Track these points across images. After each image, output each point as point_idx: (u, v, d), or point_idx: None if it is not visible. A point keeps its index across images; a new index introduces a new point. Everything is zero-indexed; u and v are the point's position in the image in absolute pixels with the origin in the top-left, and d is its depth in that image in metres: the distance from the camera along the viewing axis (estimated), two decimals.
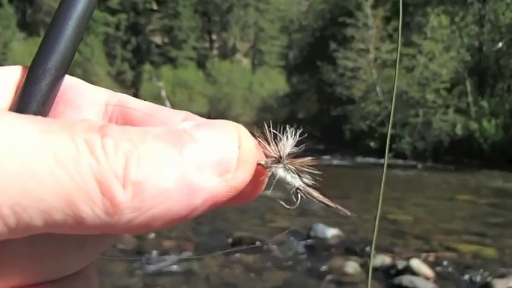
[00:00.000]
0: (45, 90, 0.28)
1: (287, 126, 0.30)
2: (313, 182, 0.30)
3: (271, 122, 0.30)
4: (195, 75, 41.58)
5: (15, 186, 0.20)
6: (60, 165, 0.21)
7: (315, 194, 0.30)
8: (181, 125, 0.26)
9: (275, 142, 0.30)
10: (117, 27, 41.54)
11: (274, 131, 0.30)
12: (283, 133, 0.30)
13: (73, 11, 0.29)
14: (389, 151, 18.22)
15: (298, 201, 0.30)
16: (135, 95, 39.19)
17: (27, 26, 40.82)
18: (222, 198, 0.25)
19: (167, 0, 44.71)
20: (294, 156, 0.30)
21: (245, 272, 4.89)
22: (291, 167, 0.30)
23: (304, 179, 0.30)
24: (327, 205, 0.30)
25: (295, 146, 0.30)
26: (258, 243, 5.66)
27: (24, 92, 0.28)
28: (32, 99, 0.28)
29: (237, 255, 5.25)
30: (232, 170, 0.25)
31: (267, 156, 0.30)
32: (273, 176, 0.29)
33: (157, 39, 45.94)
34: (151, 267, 5.01)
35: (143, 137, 0.23)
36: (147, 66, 41.88)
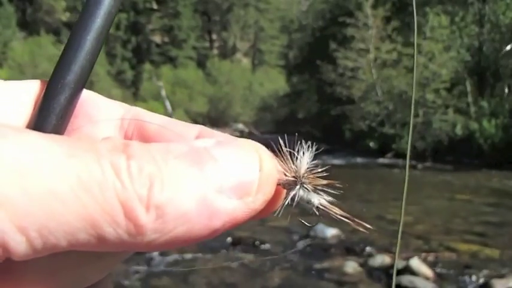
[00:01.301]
0: (64, 103, 0.29)
1: (302, 141, 0.30)
2: (332, 199, 0.30)
3: (286, 137, 0.30)
4: (195, 74, 41.57)
5: (42, 210, 0.21)
6: (85, 188, 0.21)
7: (335, 210, 0.30)
8: (202, 142, 0.26)
9: (291, 159, 0.29)
10: (117, 27, 41.51)
11: (289, 150, 0.29)
12: (297, 148, 0.30)
13: (92, 25, 0.29)
14: (389, 151, 18.24)
15: (319, 218, 0.30)
16: (135, 94, 39.26)
17: (27, 25, 40.81)
18: (241, 219, 0.25)
19: (167, 0, 44.70)
20: (310, 172, 0.30)
21: (245, 271, 4.89)
22: (309, 186, 0.29)
23: (323, 197, 0.30)
24: (348, 221, 0.30)
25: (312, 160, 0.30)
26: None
27: (43, 105, 0.29)
28: (51, 113, 0.28)
29: (237, 255, 5.26)
30: (253, 193, 0.25)
31: (284, 174, 0.29)
32: (292, 196, 0.29)
33: (157, 38, 45.93)
34: (152, 267, 5.01)
35: (165, 156, 0.24)
36: (147, 66, 41.87)
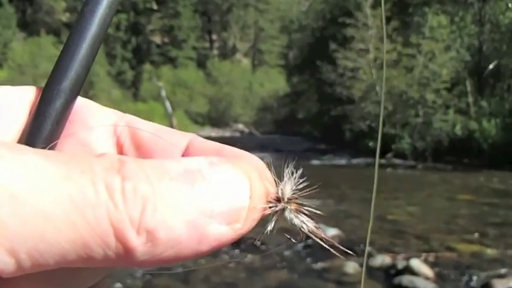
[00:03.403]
0: (60, 109, 0.29)
1: (285, 166, 0.30)
2: (315, 224, 0.31)
3: (271, 160, 0.31)
4: (195, 75, 41.58)
5: (32, 232, 0.21)
6: (76, 210, 0.22)
7: (317, 232, 0.31)
8: (196, 163, 0.26)
9: (276, 181, 0.30)
10: (117, 27, 41.51)
11: (274, 178, 0.30)
12: (283, 170, 0.30)
13: (87, 33, 0.29)
14: (389, 151, 18.22)
15: (303, 238, 0.31)
16: (135, 94, 39.25)
17: (27, 26, 40.82)
18: (227, 244, 0.26)
19: (167, 0, 44.70)
20: (296, 194, 0.30)
21: (245, 272, 4.89)
22: (292, 209, 0.30)
23: (307, 221, 0.31)
24: (328, 243, 0.31)
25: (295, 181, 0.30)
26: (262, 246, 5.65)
27: (39, 111, 0.29)
28: (47, 119, 0.29)
29: (238, 255, 5.25)
30: (242, 220, 0.26)
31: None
32: (275, 220, 0.30)
33: (157, 39, 45.94)
34: (151, 268, 5.01)
35: (161, 177, 0.24)
36: (147, 66, 41.87)
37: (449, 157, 16.56)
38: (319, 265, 5.11)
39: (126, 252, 0.23)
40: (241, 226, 0.26)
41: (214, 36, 50.31)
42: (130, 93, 39.32)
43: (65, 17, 42.79)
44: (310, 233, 0.31)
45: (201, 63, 44.24)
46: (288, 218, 0.30)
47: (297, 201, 0.30)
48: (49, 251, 0.21)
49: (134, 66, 41.90)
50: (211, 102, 39.87)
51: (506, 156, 14.73)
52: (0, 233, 0.20)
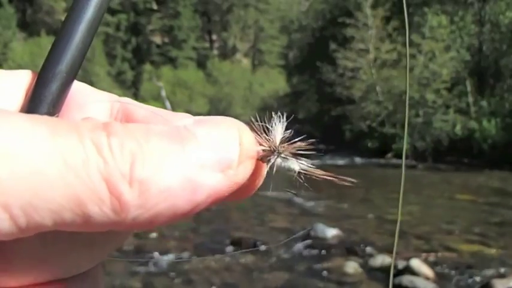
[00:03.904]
0: (56, 92, 0.29)
1: (272, 113, 0.31)
2: (311, 162, 0.31)
3: (257, 113, 0.31)
4: (195, 75, 41.58)
5: (26, 188, 0.21)
6: (69, 167, 0.22)
7: (317, 172, 0.30)
8: (181, 121, 0.27)
9: (266, 133, 0.30)
10: (117, 27, 41.53)
11: (263, 124, 0.30)
12: (270, 122, 0.31)
13: (83, 16, 0.29)
14: (389, 151, 18.22)
15: (303, 184, 0.30)
16: (135, 94, 39.25)
17: (27, 26, 40.83)
18: (224, 193, 0.26)
19: (167, 0, 44.70)
20: (287, 141, 0.31)
21: (245, 272, 4.89)
22: (287, 154, 0.30)
23: (302, 162, 0.30)
24: (331, 179, 0.30)
25: (286, 130, 0.31)
26: (261, 246, 5.66)
27: (34, 94, 0.29)
28: (43, 102, 0.29)
29: (238, 255, 5.25)
30: (234, 166, 0.26)
31: (262, 149, 0.30)
32: (271, 167, 0.30)
33: (157, 39, 45.94)
34: (152, 268, 5.02)
35: (146, 135, 0.24)
36: (147, 66, 41.88)
37: (449, 157, 16.56)
38: (319, 265, 5.11)
39: (121, 207, 0.23)
40: (235, 172, 0.26)
41: (214, 36, 50.31)
42: (131, 93, 39.29)
43: (64, 17, 42.75)
44: (308, 172, 0.30)
45: (201, 63, 44.23)
46: (282, 162, 0.30)
47: (289, 146, 0.30)
48: (44, 207, 0.22)
49: (134, 66, 41.91)
50: (211, 102, 39.87)
51: (506, 156, 14.73)
52: None
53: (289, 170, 0.30)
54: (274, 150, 0.30)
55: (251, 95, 40.38)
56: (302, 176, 0.30)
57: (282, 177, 0.31)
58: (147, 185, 0.23)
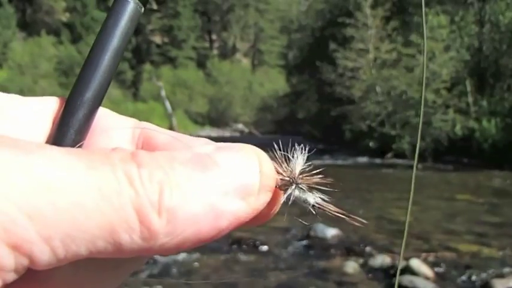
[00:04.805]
0: (83, 120, 0.30)
1: (295, 144, 0.31)
2: (327, 197, 0.31)
3: (280, 142, 0.32)
4: (195, 75, 41.58)
5: (66, 221, 0.22)
6: (104, 199, 0.23)
7: (330, 208, 0.31)
8: (202, 148, 0.28)
9: (286, 162, 0.31)
10: None
11: (284, 153, 0.31)
12: (291, 150, 0.31)
13: (109, 45, 0.30)
14: (389, 151, 18.22)
15: (317, 216, 0.31)
16: (135, 94, 39.25)
17: (27, 26, 40.81)
18: (245, 219, 0.27)
19: (167, 0, 44.70)
20: (305, 173, 0.31)
21: (245, 272, 4.89)
22: (304, 186, 0.31)
23: (318, 196, 0.31)
24: (343, 217, 0.31)
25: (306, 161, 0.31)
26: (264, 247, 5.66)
27: (63, 121, 0.30)
28: (71, 129, 0.30)
29: (238, 255, 5.26)
30: (255, 193, 0.27)
31: (281, 178, 0.31)
32: (288, 196, 0.31)
33: (157, 39, 45.94)
34: (152, 268, 5.01)
35: (172, 163, 0.25)
36: (147, 66, 41.88)
37: (449, 157, 16.56)
38: (319, 265, 5.11)
39: (150, 235, 0.24)
40: (255, 199, 0.27)
41: (214, 36, 50.31)
42: (130, 93, 39.32)
43: (64, 17, 42.77)
44: (322, 207, 0.31)
45: (201, 63, 44.24)
46: (299, 194, 0.31)
47: (307, 177, 0.31)
48: (81, 237, 0.23)
49: (134, 66, 41.89)
50: (211, 102, 39.87)
51: (506, 156, 14.72)
52: (39, 221, 0.22)
53: (305, 202, 0.31)
54: (293, 181, 0.31)
55: (251, 94, 40.39)
56: (316, 209, 0.31)
57: (295, 205, 0.31)
58: (175, 213, 0.24)
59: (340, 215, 0.31)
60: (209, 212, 0.25)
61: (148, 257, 0.30)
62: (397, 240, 5.86)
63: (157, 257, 5.30)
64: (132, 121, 0.34)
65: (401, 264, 4.87)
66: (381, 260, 5.08)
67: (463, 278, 4.73)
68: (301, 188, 0.31)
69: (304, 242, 5.79)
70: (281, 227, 6.50)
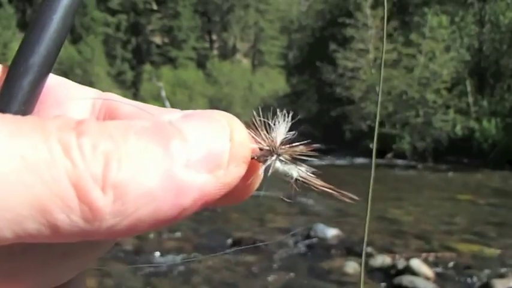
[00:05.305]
0: (28, 88, 0.26)
1: (277, 110, 0.28)
2: (312, 169, 0.28)
3: (260, 109, 0.29)
4: (195, 75, 41.56)
5: None
6: (29, 169, 0.19)
7: (316, 182, 0.27)
8: (166, 116, 0.25)
9: (266, 131, 0.28)
10: (117, 28, 41.54)
11: (265, 120, 0.28)
12: (273, 119, 0.28)
13: (58, 5, 0.27)
14: (389, 151, 18.21)
15: (299, 192, 0.27)
16: (135, 95, 39.25)
17: (27, 26, 40.72)
18: (213, 196, 0.23)
19: (167, 0, 44.71)
20: (288, 143, 0.28)
21: (245, 272, 4.89)
22: (286, 156, 0.27)
23: (302, 168, 0.27)
24: (330, 192, 0.27)
25: (289, 131, 0.28)
26: (260, 244, 5.66)
27: (4, 91, 0.26)
28: (13, 98, 0.26)
29: (238, 255, 5.25)
30: (224, 165, 0.23)
31: (259, 148, 0.27)
32: (267, 169, 0.27)
33: (157, 39, 45.94)
34: (152, 268, 5.01)
35: (125, 133, 0.22)
36: (147, 67, 41.86)
37: (449, 157, 16.56)
38: (319, 265, 5.11)
39: (93, 215, 0.20)
40: (225, 172, 0.23)
41: (214, 37, 50.31)
42: (131, 94, 39.30)
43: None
44: (306, 180, 0.27)
45: (201, 64, 44.22)
46: (281, 166, 0.27)
47: (290, 148, 0.27)
48: (2, 217, 0.19)
49: (134, 66, 41.90)
50: (211, 103, 39.84)
51: (506, 156, 14.73)
52: None
53: (286, 175, 0.27)
54: (273, 151, 0.27)
55: (251, 95, 40.37)
56: (299, 184, 0.27)
57: (276, 179, 0.28)
58: (124, 188, 0.20)
59: (326, 190, 0.27)
60: (168, 186, 0.21)
61: (110, 241, 0.27)
62: (397, 240, 5.86)
63: (157, 257, 5.30)
64: (93, 92, 0.30)
65: (390, 260, 4.86)
66: (381, 260, 5.08)
67: (463, 278, 4.73)
68: (283, 160, 0.27)
69: (305, 242, 5.79)
70: (281, 227, 6.50)
